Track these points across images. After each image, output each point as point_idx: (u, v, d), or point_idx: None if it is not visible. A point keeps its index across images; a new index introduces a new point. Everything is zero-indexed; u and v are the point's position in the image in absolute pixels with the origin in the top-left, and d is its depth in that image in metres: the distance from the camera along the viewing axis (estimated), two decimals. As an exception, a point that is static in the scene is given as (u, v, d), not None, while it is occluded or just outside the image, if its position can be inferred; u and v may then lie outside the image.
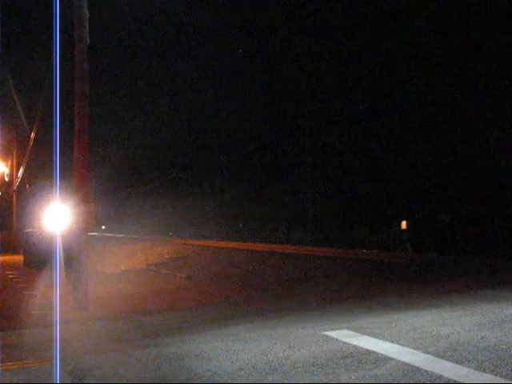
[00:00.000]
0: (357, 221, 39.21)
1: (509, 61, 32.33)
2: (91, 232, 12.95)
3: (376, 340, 7.14)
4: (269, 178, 49.52)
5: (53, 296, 14.46)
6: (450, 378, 5.45)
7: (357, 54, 41.87)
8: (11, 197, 41.71)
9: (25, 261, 27.38)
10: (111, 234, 56.42)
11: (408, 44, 38.36)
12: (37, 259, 25.69)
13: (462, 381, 5.37)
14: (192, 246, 32.54)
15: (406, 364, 5.95)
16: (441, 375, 5.53)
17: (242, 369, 6.03)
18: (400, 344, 6.87)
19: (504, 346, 6.52)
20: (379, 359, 6.19)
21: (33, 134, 27.67)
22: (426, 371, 5.66)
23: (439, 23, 36.72)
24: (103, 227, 72.85)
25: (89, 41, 12.13)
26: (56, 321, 10.19)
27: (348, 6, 43.83)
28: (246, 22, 52.98)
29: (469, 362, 5.96)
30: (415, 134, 37.87)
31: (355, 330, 7.80)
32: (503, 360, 5.96)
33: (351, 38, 42.94)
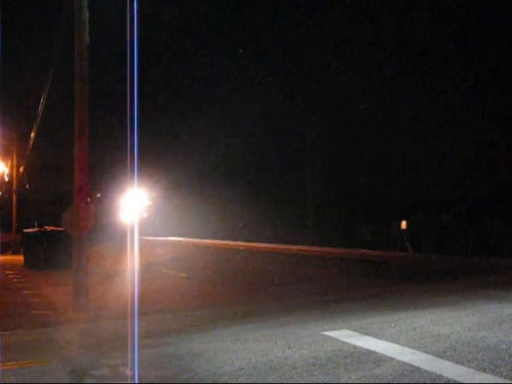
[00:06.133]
0: (357, 221, 39.21)
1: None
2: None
3: (376, 340, 7.13)
4: (269, 178, 49.48)
5: (52, 296, 14.46)
6: (450, 377, 5.45)
7: (359, 51, 41.84)
8: (11, 197, 41.69)
9: (25, 261, 27.39)
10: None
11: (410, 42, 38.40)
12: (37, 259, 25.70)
13: (461, 381, 5.36)
14: (193, 245, 32.57)
15: (406, 364, 5.95)
16: (441, 375, 5.53)
17: (242, 369, 6.03)
18: (400, 344, 6.86)
19: (504, 346, 6.52)
20: (379, 359, 6.19)
21: (33, 134, 27.65)
22: (426, 371, 5.66)
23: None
24: None
25: (88, 41, 12.13)
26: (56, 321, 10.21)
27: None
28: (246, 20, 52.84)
29: (469, 361, 5.95)
30: (415, 134, 37.86)
31: (355, 330, 7.79)
32: (503, 360, 5.95)
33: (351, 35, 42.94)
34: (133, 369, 6.13)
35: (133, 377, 5.92)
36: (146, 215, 33.24)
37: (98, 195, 41.01)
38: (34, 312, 12.10)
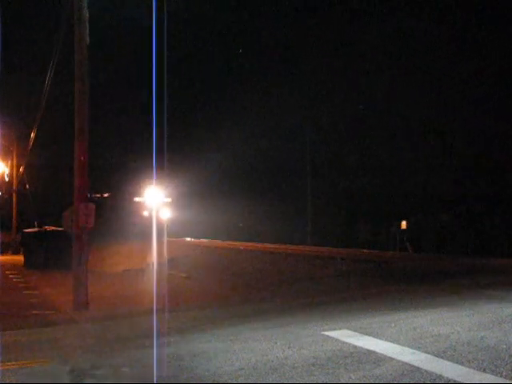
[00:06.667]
0: (357, 221, 39.22)
1: None
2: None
3: (376, 340, 7.13)
4: (270, 178, 49.52)
5: (52, 296, 14.46)
6: (450, 377, 5.44)
7: (360, 51, 41.88)
8: (11, 197, 41.67)
9: (25, 261, 27.38)
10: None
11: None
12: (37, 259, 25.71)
13: (461, 381, 5.36)
14: (192, 245, 32.57)
15: (406, 364, 5.94)
16: (441, 375, 5.52)
17: (242, 369, 6.02)
18: (400, 344, 6.86)
19: (504, 346, 6.51)
20: (379, 359, 6.18)
21: (33, 134, 27.67)
22: (425, 371, 5.65)
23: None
24: None
25: (89, 40, 12.14)
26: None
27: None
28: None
29: (469, 361, 5.95)
30: (415, 134, 37.87)
31: (355, 330, 7.78)
32: (503, 360, 5.95)
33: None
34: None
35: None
36: (168, 215, 33.32)
37: (105, 195, 41.03)
38: (34, 312, 12.10)
